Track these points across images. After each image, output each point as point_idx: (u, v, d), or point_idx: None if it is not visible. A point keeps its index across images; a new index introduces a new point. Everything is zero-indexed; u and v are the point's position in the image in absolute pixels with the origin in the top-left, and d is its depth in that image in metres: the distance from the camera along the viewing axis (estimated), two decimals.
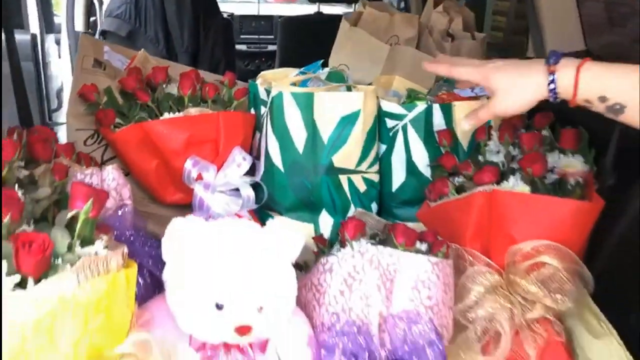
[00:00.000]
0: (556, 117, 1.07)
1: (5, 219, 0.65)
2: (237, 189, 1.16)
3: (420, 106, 1.15)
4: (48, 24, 2.33)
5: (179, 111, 1.14)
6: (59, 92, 2.23)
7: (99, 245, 0.73)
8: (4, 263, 0.63)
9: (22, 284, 0.63)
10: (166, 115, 1.12)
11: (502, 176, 1.02)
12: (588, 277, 0.91)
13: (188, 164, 1.11)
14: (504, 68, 0.80)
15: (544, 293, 0.88)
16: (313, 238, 1.09)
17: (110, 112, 1.12)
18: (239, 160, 1.15)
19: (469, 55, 1.45)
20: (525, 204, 0.92)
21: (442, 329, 0.87)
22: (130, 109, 1.15)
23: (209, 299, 0.75)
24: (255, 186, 1.18)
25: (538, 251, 0.90)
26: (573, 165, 0.98)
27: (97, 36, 2.29)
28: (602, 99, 0.73)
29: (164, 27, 2.12)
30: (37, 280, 0.63)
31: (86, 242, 0.73)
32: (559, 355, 0.90)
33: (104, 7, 2.47)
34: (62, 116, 2.19)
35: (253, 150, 1.24)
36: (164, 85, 1.19)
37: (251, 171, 1.20)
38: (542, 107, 0.98)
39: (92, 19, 2.55)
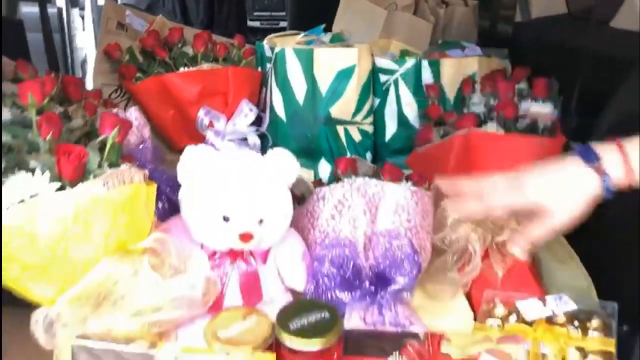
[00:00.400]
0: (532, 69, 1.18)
1: (48, 136, 0.79)
2: (245, 139, 1.30)
3: (410, 61, 1.26)
4: None
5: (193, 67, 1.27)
6: (83, 63, 2.38)
7: (124, 167, 0.86)
8: (48, 172, 0.77)
9: (62, 189, 0.77)
10: (182, 70, 1.25)
11: (481, 124, 1.14)
12: None
13: (201, 113, 1.24)
14: (544, 182, 0.72)
15: (511, 218, 1.00)
16: (312, 182, 1.23)
17: (132, 67, 1.26)
18: (246, 112, 1.28)
19: (461, 21, 1.56)
20: (497, 142, 1.04)
21: (420, 249, 0.99)
22: (149, 65, 1.29)
23: (217, 212, 0.88)
24: (261, 136, 1.31)
25: None
26: (543, 110, 1.09)
27: None
28: None
29: (181, 0, 2.25)
30: (73, 186, 0.77)
31: (113, 165, 0.86)
32: (524, 274, 1.02)
33: None
34: (86, 86, 2.34)
35: (260, 105, 1.37)
36: (180, 45, 1.32)
37: (258, 123, 1.33)
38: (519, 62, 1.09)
39: None
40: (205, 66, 1.27)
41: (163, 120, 1.27)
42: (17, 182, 0.75)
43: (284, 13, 3.82)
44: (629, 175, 0.67)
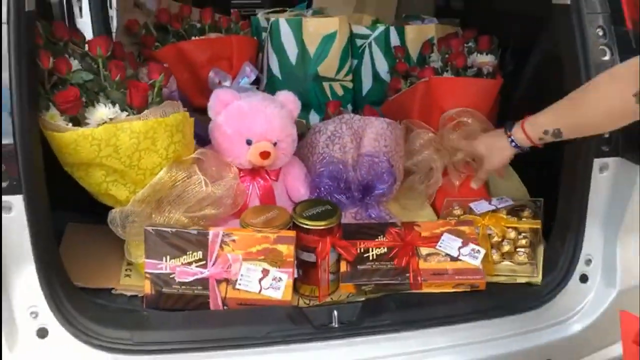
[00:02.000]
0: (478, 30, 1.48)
1: (117, 77, 1.05)
2: None
3: (380, 28, 1.56)
4: None
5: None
6: None
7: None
8: (118, 105, 1.03)
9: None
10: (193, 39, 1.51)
11: (438, 75, 1.43)
12: None
13: (211, 73, 1.50)
14: (484, 140, 1.17)
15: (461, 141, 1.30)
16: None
17: (150, 37, 1.51)
18: (247, 72, 1.55)
19: None
20: (451, 84, 1.34)
21: (395, 167, 1.29)
22: (164, 36, 1.54)
23: (242, 138, 1.16)
24: None
25: (460, 115, 1.31)
26: (486, 60, 1.39)
27: None
28: (546, 132, 1.03)
29: None
30: (138, 113, 1.03)
31: (157, 103, 1.12)
32: None
33: None
34: None
35: (257, 68, 1.63)
36: (189, 19, 1.58)
37: (257, 84, 1.60)
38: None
39: None
40: (212, 35, 1.53)
41: (179, 81, 1.51)
42: (98, 111, 1.01)
43: None
44: (528, 140, 1.07)
